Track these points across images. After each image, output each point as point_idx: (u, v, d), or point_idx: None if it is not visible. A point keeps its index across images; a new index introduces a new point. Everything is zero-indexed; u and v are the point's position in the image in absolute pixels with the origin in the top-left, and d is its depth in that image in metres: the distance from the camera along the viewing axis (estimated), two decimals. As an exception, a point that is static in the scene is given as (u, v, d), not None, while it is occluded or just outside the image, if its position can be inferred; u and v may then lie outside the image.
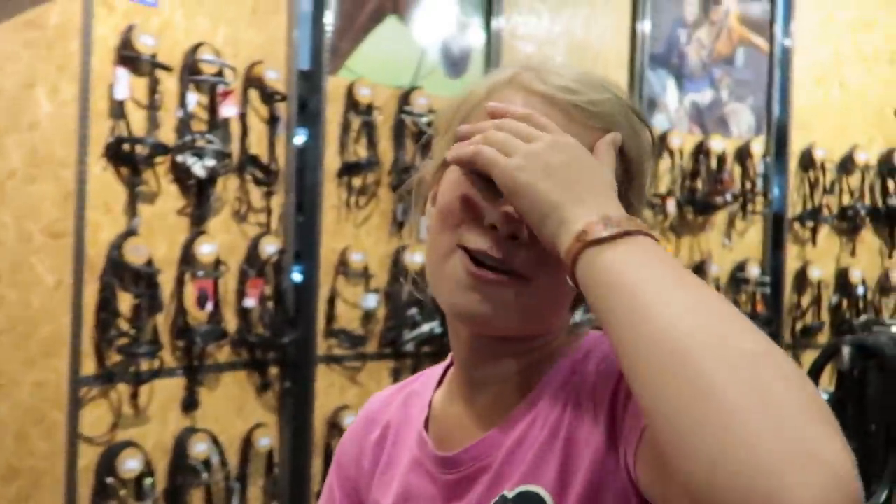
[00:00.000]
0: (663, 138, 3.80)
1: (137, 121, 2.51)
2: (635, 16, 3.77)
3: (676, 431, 0.52)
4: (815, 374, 1.67)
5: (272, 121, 2.83)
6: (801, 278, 4.06)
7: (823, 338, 4.01)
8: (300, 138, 2.98)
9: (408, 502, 0.78)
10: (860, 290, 4.10)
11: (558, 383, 0.73)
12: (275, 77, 2.81)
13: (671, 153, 3.80)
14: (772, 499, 0.47)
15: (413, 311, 3.03)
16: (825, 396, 1.74)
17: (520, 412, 0.73)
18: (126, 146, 2.47)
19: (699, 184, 3.83)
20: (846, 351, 1.60)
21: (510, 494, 0.71)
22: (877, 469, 1.57)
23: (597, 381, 0.69)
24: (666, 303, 0.56)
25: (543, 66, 0.75)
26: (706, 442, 0.50)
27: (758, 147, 3.98)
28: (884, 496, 1.52)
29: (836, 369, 1.64)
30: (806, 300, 4.07)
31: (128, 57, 2.46)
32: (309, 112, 2.98)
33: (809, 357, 3.18)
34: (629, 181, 0.74)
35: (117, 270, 2.44)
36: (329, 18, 2.97)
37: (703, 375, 0.51)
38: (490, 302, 0.70)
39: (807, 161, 4.09)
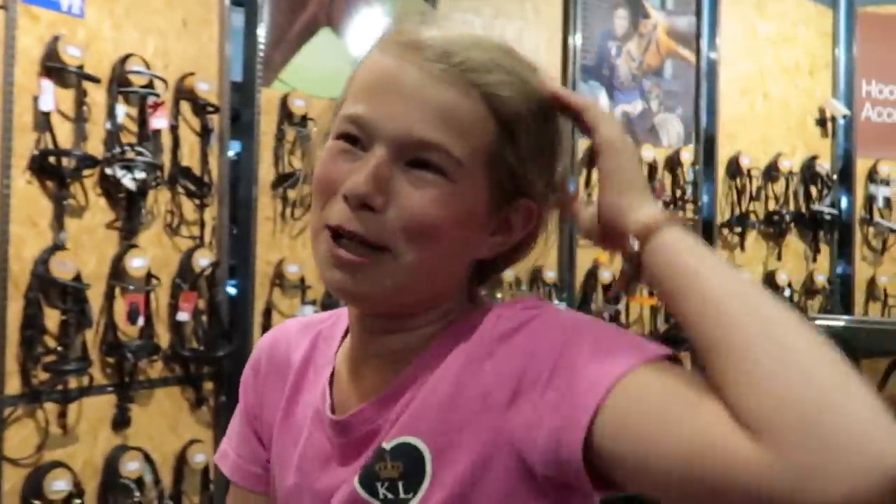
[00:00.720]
0: (596, 148, 3.86)
1: (64, 133, 2.46)
2: (567, 29, 3.84)
3: (768, 394, 0.56)
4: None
5: (204, 133, 2.80)
6: (731, 283, 4.16)
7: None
8: (233, 150, 2.95)
9: (305, 460, 0.77)
10: (787, 293, 4.22)
11: (455, 347, 0.71)
12: (206, 89, 2.78)
13: (603, 162, 3.87)
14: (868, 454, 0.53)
15: (351, 322, 3.01)
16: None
17: (412, 375, 0.72)
18: (52, 159, 2.41)
19: (631, 192, 3.90)
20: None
21: (388, 446, 0.70)
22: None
23: (509, 356, 0.67)
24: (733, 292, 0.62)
25: (416, 25, 0.72)
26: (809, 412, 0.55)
27: (687, 156, 4.08)
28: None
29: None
30: (736, 304, 4.17)
31: (53, 68, 2.41)
32: (242, 124, 2.96)
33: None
34: (509, 140, 0.70)
35: (43, 286, 2.38)
36: (262, 30, 2.95)
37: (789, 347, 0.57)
38: (356, 279, 0.69)
39: (733, 169, 4.20)
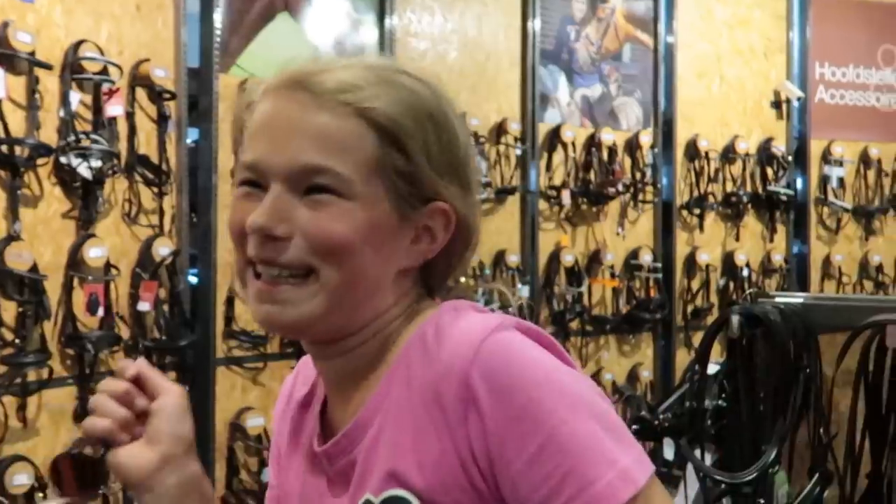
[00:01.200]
0: (556, 132, 3.89)
1: (16, 121, 2.40)
2: (525, 14, 3.85)
3: None
4: (706, 343, 1.74)
5: (161, 120, 2.76)
6: (691, 263, 4.22)
7: (713, 319, 4.17)
8: (191, 138, 2.91)
9: (305, 496, 0.79)
10: (745, 273, 4.29)
11: (408, 373, 0.72)
12: (163, 75, 2.74)
13: (564, 146, 3.89)
14: None
15: (315, 309, 3.00)
16: (716, 367, 1.82)
17: (372, 406, 0.73)
18: (4, 148, 2.36)
19: (592, 175, 3.93)
20: (735, 319, 1.67)
21: (376, 500, 0.71)
22: (766, 431, 1.65)
23: (482, 418, 0.68)
24: None
25: (296, 66, 0.76)
26: None
27: (646, 139, 4.11)
28: (773, 455, 1.59)
29: (727, 338, 1.71)
30: (695, 284, 4.24)
31: (3, 55, 2.36)
32: (200, 111, 2.92)
33: (700, 339, 3.30)
34: (394, 148, 0.72)
35: (-1, 278, 2.33)
36: (218, 15, 2.91)
37: None
38: (282, 308, 0.72)
39: (692, 151, 4.25)
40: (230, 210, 0.76)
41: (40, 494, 2.36)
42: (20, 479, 2.32)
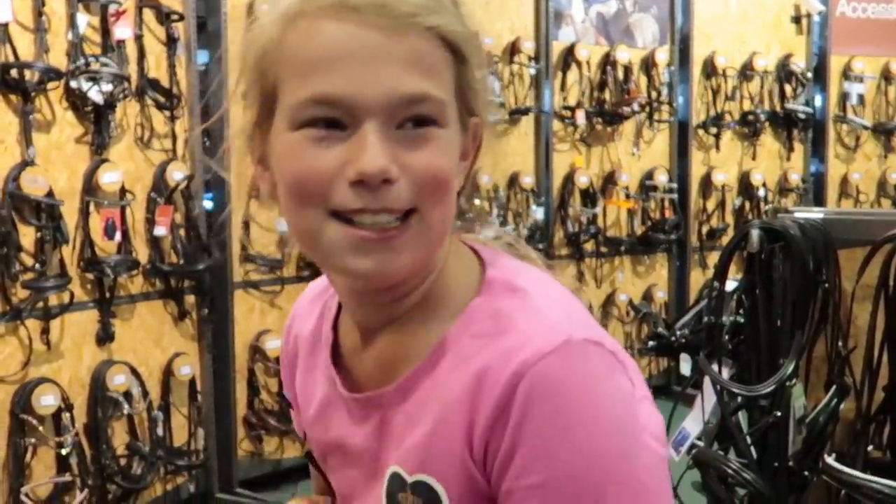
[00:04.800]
0: (571, 50, 3.82)
1: (24, 45, 2.37)
2: (538, -72, 3.73)
3: None
4: (725, 258, 1.74)
5: (170, 42, 2.72)
6: (706, 183, 4.19)
7: (728, 239, 4.16)
8: (201, 60, 2.87)
9: (341, 450, 0.76)
10: (761, 192, 4.26)
11: (457, 358, 0.68)
12: (170, -5, 2.69)
13: (578, 64, 3.83)
14: None
15: (330, 232, 3.00)
16: (734, 284, 1.81)
17: (419, 374, 0.70)
18: (13, 72, 2.34)
19: (607, 95, 3.87)
20: (755, 234, 1.66)
21: (410, 479, 0.69)
22: (784, 345, 1.65)
23: (507, 435, 0.63)
24: None
25: None
26: None
27: (662, 56, 4.03)
28: (791, 368, 1.60)
29: (746, 253, 1.71)
30: (711, 204, 4.21)
31: (7, -24, 2.31)
32: (209, 32, 2.87)
33: (715, 259, 3.29)
34: (463, 63, 0.68)
35: (16, 203, 2.33)
36: (223, -68, 2.84)
37: None
38: (384, 257, 0.66)
39: (709, 69, 4.17)
40: (294, 159, 0.65)
41: (66, 415, 2.42)
42: (47, 400, 2.37)
